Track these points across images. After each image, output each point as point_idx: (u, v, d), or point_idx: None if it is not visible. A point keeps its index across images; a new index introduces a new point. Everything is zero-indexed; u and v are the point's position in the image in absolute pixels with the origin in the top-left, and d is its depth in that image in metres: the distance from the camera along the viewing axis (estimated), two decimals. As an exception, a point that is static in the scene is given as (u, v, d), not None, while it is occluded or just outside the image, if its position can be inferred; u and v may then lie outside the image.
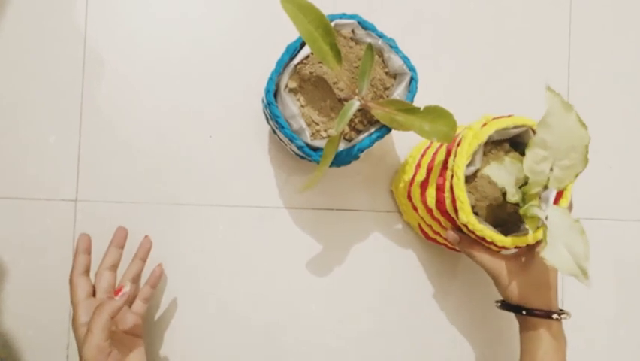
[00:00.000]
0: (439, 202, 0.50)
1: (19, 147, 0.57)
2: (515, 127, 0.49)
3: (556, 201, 0.50)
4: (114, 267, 0.53)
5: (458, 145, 0.48)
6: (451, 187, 0.48)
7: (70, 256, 0.57)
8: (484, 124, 0.49)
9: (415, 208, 0.56)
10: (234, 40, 0.60)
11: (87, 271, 0.51)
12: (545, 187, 0.47)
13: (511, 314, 0.61)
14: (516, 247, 0.49)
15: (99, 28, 0.58)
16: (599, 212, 0.67)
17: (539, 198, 0.48)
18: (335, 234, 0.61)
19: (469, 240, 0.51)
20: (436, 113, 0.46)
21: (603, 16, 0.68)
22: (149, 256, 0.55)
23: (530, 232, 0.48)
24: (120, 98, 0.58)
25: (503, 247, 0.49)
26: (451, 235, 0.52)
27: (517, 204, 0.48)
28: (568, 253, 0.44)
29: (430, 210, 0.53)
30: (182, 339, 0.58)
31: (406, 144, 0.62)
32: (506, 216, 0.51)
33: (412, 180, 0.55)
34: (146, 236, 0.56)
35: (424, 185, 0.53)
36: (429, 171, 0.53)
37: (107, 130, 0.58)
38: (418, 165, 0.55)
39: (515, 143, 0.52)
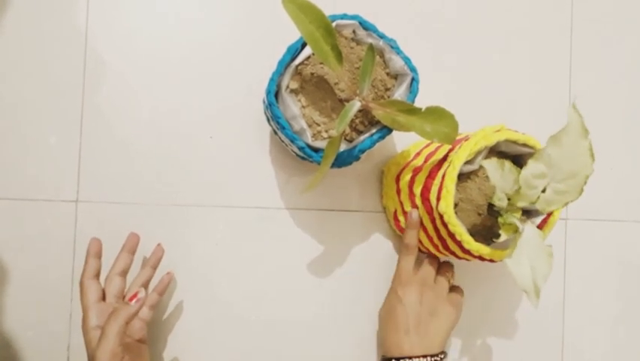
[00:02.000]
0: (425, 188, 0.50)
1: (19, 147, 0.57)
2: (524, 145, 0.49)
3: (544, 221, 0.50)
4: (124, 272, 0.53)
5: (465, 140, 0.48)
6: (443, 175, 0.47)
7: (70, 257, 0.57)
8: (498, 130, 0.49)
9: (399, 191, 0.56)
10: (235, 40, 0.60)
11: (97, 275, 0.52)
12: (532, 205, 0.46)
13: (512, 310, 0.62)
14: (480, 258, 0.49)
15: (100, 29, 0.58)
16: (600, 213, 0.67)
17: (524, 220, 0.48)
18: (336, 235, 0.61)
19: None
20: (438, 114, 0.46)
21: (604, 19, 0.68)
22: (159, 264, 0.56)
23: (503, 236, 0.48)
24: (121, 99, 0.58)
25: (468, 252, 0.49)
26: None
27: (497, 215, 0.48)
28: (529, 269, 0.44)
29: (412, 196, 0.53)
30: (183, 340, 0.58)
31: (408, 145, 0.62)
32: (480, 228, 0.51)
33: (408, 163, 0.56)
34: (159, 244, 0.56)
35: (416, 170, 0.53)
36: (427, 159, 0.53)
37: (107, 131, 0.58)
38: (418, 153, 0.56)
39: (519, 164, 0.51)
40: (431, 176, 0.50)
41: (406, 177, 0.54)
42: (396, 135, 0.61)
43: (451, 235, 0.48)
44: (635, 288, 0.68)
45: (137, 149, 0.58)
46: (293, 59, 0.49)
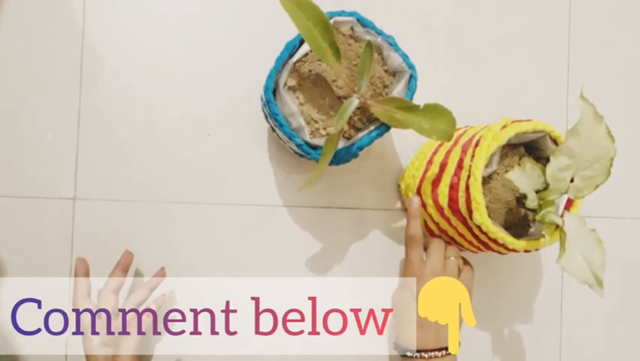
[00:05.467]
0: (452, 201, 0.50)
1: (16, 145, 0.57)
2: (534, 132, 0.49)
3: (567, 208, 0.50)
4: (117, 290, 0.53)
5: (476, 145, 0.48)
6: (467, 187, 0.47)
7: (68, 254, 0.57)
8: (504, 126, 0.49)
9: (424, 205, 0.56)
10: (233, 37, 0.60)
11: (89, 294, 0.53)
12: (563, 195, 0.47)
13: (510, 306, 0.61)
14: (525, 250, 0.50)
15: (97, 27, 0.58)
16: (598, 210, 0.67)
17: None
18: (335, 232, 0.61)
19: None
20: (436, 111, 0.45)
21: (603, 16, 0.68)
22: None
23: (547, 237, 0.48)
24: (118, 97, 0.58)
25: (513, 250, 0.49)
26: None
27: (533, 210, 0.48)
28: (584, 262, 0.44)
29: (440, 209, 0.52)
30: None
31: (406, 142, 0.62)
32: (515, 220, 0.51)
33: (423, 176, 0.55)
34: (162, 268, 0.56)
35: (435, 182, 0.53)
36: (441, 168, 0.52)
37: (105, 128, 0.58)
38: (430, 162, 0.55)
39: (529, 147, 0.52)
40: (453, 188, 0.50)
41: (428, 192, 0.54)
42: (394, 133, 0.61)
43: (494, 240, 0.48)
44: (632, 284, 0.68)
45: (135, 146, 0.58)
46: (291, 55, 0.49)
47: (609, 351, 0.67)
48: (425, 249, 0.55)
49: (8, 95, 0.57)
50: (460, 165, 0.49)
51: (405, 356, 0.52)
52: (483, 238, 0.49)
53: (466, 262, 0.56)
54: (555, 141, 0.50)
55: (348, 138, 0.50)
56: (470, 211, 0.48)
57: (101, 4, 0.58)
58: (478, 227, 0.48)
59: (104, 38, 0.58)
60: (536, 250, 0.50)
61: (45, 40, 0.57)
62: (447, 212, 0.52)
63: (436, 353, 0.51)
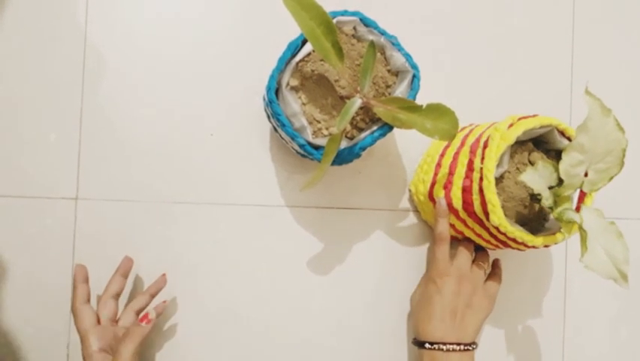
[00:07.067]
0: (466, 204, 0.50)
1: (18, 145, 0.57)
2: (541, 127, 0.49)
3: (580, 200, 0.50)
4: (117, 295, 0.53)
5: (485, 147, 0.48)
6: (481, 190, 0.47)
7: (70, 254, 0.57)
8: (511, 125, 0.48)
9: None
10: (236, 37, 0.60)
11: (88, 299, 0.52)
12: (580, 189, 0.47)
13: (513, 307, 0.61)
14: (545, 246, 0.50)
15: (99, 26, 0.58)
16: (602, 210, 0.67)
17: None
18: (337, 232, 0.61)
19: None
20: (439, 111, 0.45)
21: (606, 12, 0.68)
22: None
23: (566, 235, 0.48)
24: (121, 97, 0.58)
25: (533, 247, 0.49)
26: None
27: (549, 207, 0.48)
28: (607, 257, 0.44)
29: (455, 211, 0.52)
30: (182, 339, 0.58)
31: (409, 142, 0.61)
32: (531, 215, 0.51)
33: (434, 180, 0.55)
34: (164, 275, 0.56)
35: (447, 185, 0.53)
36: (451, 171, 0.52)
37: (107, 128, 0.58)
38: (439, 165, 0.55)
39: (537, 141, 0.52)
40: (466, 190, 0.50)
41: (440, 195, 0.54)
42: (397, 133, 0.61)
43: (513, 239, 0.48)
44: (636, 286, 0.67)
45: (137, 146, 0.58)
46: (293, 55, 0.49)
47: (612, 353, 0.67)
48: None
49: (10, 94, 0.57)
50: (470, 167, 0.49)
51: (424, 348, 0.53)
52: (501, 237, 0.49)
53: (496, 271, 0.58)
54: (563, 133, 0.50)
55: (351, 138, 0.50)
56: (486, 213, 0.47)
57: (103, 4, 0.58)
58: (496, 228, 0.48)
59: (107, 38, 0.58)
60: (555, 244, 0.49)
61: (47, 40, 0.57)
62: (462, 214, 0.51)
63: (455, 346, 0.51)
